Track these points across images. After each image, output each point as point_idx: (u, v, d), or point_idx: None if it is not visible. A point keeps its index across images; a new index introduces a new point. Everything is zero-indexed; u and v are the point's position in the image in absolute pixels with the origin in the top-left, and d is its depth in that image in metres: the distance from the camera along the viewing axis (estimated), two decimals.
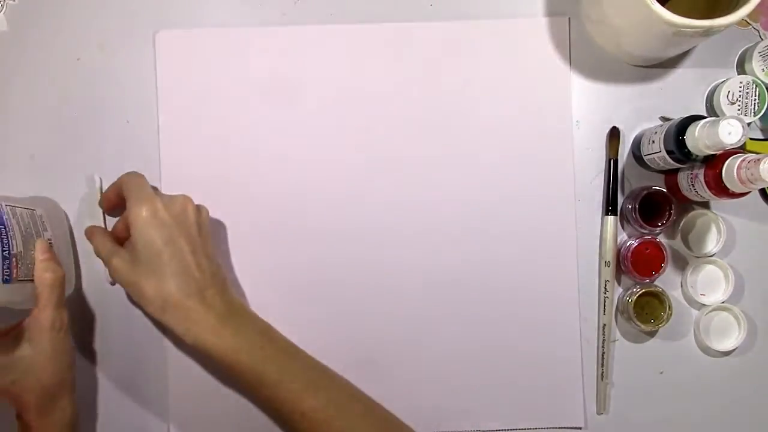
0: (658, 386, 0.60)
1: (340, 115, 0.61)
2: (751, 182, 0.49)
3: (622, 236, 0.61)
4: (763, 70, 0.59)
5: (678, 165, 0.55)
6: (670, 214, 0.58)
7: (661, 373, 0.61)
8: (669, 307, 0.58)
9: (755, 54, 0.59)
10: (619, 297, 0.61)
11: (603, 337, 0.60)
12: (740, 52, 0.61)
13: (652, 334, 0.60)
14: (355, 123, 0.61)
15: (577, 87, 0.61)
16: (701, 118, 0.52)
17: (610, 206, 0.60)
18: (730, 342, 0.60)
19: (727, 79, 0.58)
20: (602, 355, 0.60)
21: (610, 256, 0.59)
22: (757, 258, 0.61)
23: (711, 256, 0.60)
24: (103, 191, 0.59)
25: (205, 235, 0.55)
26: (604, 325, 0.60)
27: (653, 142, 0.56)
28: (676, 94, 0.61)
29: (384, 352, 0.60)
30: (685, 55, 0.61)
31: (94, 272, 0.59)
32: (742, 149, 0.53)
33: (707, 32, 0.50)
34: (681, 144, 0.53)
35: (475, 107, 0.61)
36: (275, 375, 0.52)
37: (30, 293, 0.51)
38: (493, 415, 0.60)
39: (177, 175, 0.60)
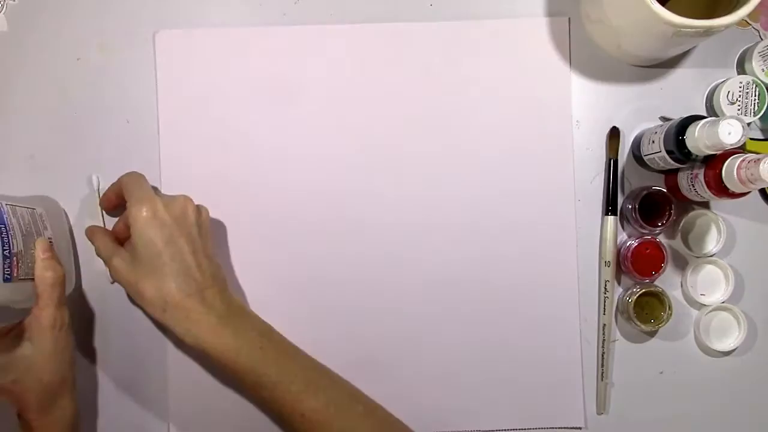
0: (658, 386, 0.60)
1: (340, 115, 0.61)
2: (751, 182, 0.49)
3: (622, 236, 0.61)
4: (763, 70, 0.59)
5: (678, 165, 0.55)
6: (670, 214, 0.58)
7: (661, 373, 0.61)
8: (669, 307, 0.58)
9: (755, 54, 0.59)
10: (619, 297, 0.61)
11: (603, 337, 0.60)
12: (740, 52, 0.61)
13: (652, 334, 0.60)
14: (355, 123, 0.61)
15: (577, 87, 0.61)
16: (701, 118, 0.52)
17: (610, 206, 0.60)
18: (730, 342, 0.60)
19: (727, 79, 0.58)
20: (602, 355, 0.60)
21: (610, 256, 0.59)
22: (757, 258, 0.61)
23: (711, 256, 0.60)
24: (103, 191, 0.59)
25: (206, 236, 0.55)
26: (604, 325, 0.60)
27: (653, 142, 0.56)
28: (676, 94, 0.61)
29: (384, 353, 0.60)
30: (685, 55, 0.61)
31: (94, 271, 0.59)
32: (742, 149, 0.53)
33: (707, 32, 0.50)
34: (681, 144, 0.53)
35: (475, 107, 0.61)
36: (275, 376, 0.52)
37: (30, 292, 0.51)
38: (493, 415, 0.60)
39: (177, 175, 0.60)
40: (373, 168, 0.60)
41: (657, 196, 0.58)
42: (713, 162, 0.53)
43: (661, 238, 0.60)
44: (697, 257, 0.60)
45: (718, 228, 0.59)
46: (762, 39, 0.60)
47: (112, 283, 0.58)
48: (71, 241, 0.59)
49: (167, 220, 0.52)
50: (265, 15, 0.61)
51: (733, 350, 0.60)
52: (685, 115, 0.54)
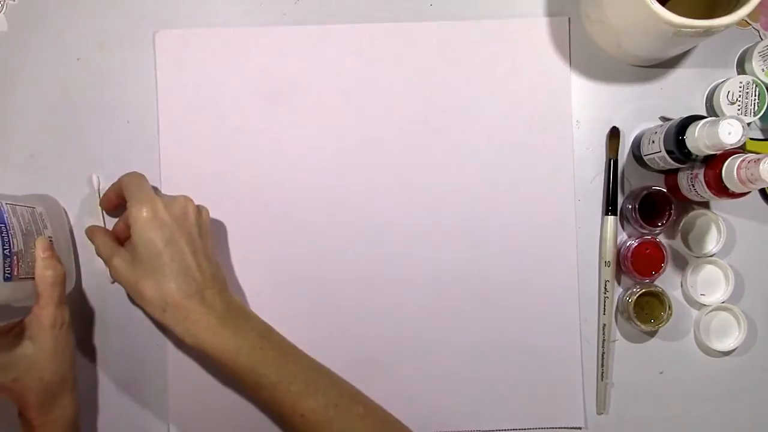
0: (658, 386, 0.60)
1: (340, 115, 0.61)
2: (751, 182, 0.49)
3: (622, 236, 0.61)
4: (763, 70, 0.59)
5: (678, 165, 0.55)
6: (670, 214, 0.58)
7: (661, 373, 0.61)
8: (669, 307, 0.58)
9: (755, 54, 0.59)
10: (619, 297, 0.61)
11: (603, 337, 0.60)
12: (740, 52, 0.61)
13: (652, 334, 0.60)
14: (354, 123, 0.61)
15: (577, 87, 0.61)
16: (701, 118, 0.52)
17: (610, 206, 0.60)
18: (730, 342, 0.60)
19: (727, 79, 0.58)
20: (602, 355, 0.60)
21: (610, 256, 0.59)
22: (757, 258, 0.61)
23: (711, 256, 0.60)
24: (104, 191, 0.59)
25: (206, 236, 0.55)
26: (604, 325, 0.60)
27: (653, 142, 0.56)
28: (676, 94, 0.61)
29: (384, 353, 0.60)
30: (685, 55, 0.61)
31: (94, 270, 0.59)
32: (742, 149, 0.53)
33: (707, 32, 0.50)
34: (681, 144, 0.53)
35: (475, 107, 0.61)
36: (274, 376, 0.52)
37: (31, 291, 0.51)
38: (493, 415, 0.60)
39: (177, 175, 0.60)
40: (373, 168, 0.60)
41: (657, 196, 0.58)
42: (713, 162, 0.53)
43: (661, 238, 0.60)
44: (697, 257, 0.60)
45: (718, 228, 0.59)
46: (762, 39, 0.60)
47: (113, 283, 0.58)
48: (71, 239, 0.59)
49: (167, 221, 0.52)
50: (265, 15, 0.61)
51: (733, 350, 0.60)
52: (685, 115, 0.54)
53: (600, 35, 0.60)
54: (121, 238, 0.57)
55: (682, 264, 0.61)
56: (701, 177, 0.54)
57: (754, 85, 0.58)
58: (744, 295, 0.61)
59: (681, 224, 0.60)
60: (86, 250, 0.59)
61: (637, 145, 0.59)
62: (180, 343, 0.59)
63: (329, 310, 0.60)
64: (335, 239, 0.60)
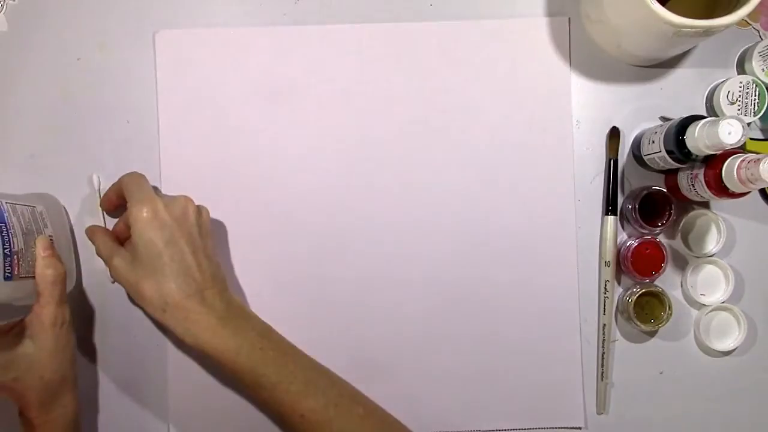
0: (658, 386, 0.60)
1: (340, 115, 0.61)
2: (751, 182, 0.49)
3: (622, 236, 0.61)
4: (763, 70, 0.59)
5: (678, 165, 0.55)
6: (670, 214, 0.58)
7: (661, 373, 0.61)
8: (669, 307, 0.58)
9: (755, 54, 0.59)
10: (619, 297, 0.61)
11: (603, 337, 0.60)
12: (740, 52, 0.61)
13: (652, 334, 0.60)
14: (354, 123, 0.61)
15: (577, 87, 0.61)
16: (701, 118, 0.52)
17: (610, 206, 0.60)
18: (730, 342, 0.60)
19: (727, 79, 0.58)
20: (602, 355, 0.60)
21: (610, 256, 0.59)
22: (757, 258, 0.61)
23: (711, 256, 0.60)
24: (104, 191, 0.59)
25: (206, 236, 0.55)
26: (604, 325, 0.60)
27: (653, 142, 0.56)
28: (676, 94, 0.61)
29: (384, 353, 0.60)
30: (685, 55, 0.61)
31: (94, 269, 0.59)
32: (742, 149, 0.53)
33: (707, 32, 0.50)
34: (681, 144, 0.53)
35: (475, 107, 0.61)
36: (274, 376, 0.52)
37: (31, 290, 0.51)
38: (493, 415, 0.60)
39: (177, 175, 0.60)
40: (373, 168, 0.60)
41: (657, 196, 0.58)
42: (713, 162, 0.53)
43: (661, 238, 0.60)
44: (697, 257, 0.60)
45: (718, 228, 0.59)
46: (762, 39, 0.60)
47: (113, 282, 0.58)
48: (72, 238, 0.59)
49: (168, 221, 0.52)
50: (265, 15, 0.61)
51: (733, 350, 0.60)
52: (685, 115, 0.54)
53: (600, 35, 0.60)
54: (122, 238, 0.57)
55: (682, 264, 0.61)
56: (701, 177, 0.54)
57: (754, 85, 0.58)
58: (744, 295, 0.61)
59: (681, 224, 0.60)
60: (86, 249, 0.59)
61: (637, 145, 0.59)
62: (180, 343, 0.59)
63: (329, 310, 0.60)
64: (335, 239, 0.60)
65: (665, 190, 0.58)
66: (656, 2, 0.49)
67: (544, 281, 0.60)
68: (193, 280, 0.52)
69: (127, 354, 0.60)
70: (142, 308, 0.54)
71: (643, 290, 0.58)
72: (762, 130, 0.61)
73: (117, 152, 0.60)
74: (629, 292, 0.59)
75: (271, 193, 0.60)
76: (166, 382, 0.60)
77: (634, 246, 0.58)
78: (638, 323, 0.58)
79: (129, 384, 0.60)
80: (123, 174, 0.56)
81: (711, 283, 0.60)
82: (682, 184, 0.57)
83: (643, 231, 0.59)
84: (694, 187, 0.55)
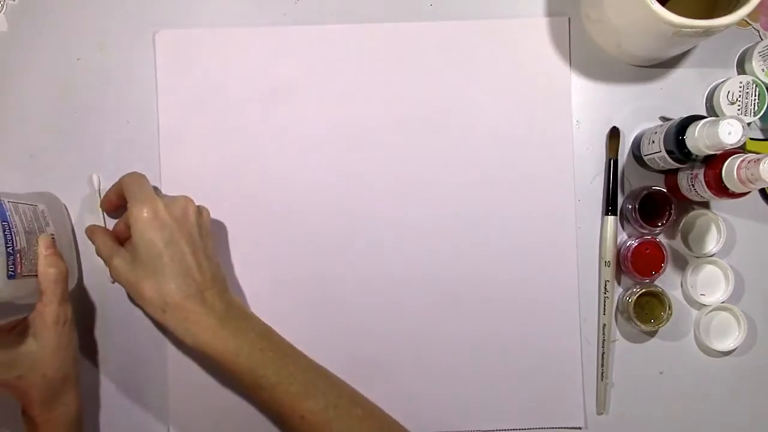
0: (658, 386, 0.60)
1: (340, 115, 0.61)
2: (751, 182, 0.49)
3: (622, 236, 0.61)
4: (763, 70, 0.59)
5: (678, 165, 0.55)
6: (670, 214, 0.58)
7: (661, 373, 0.61)
8: (669, 307, 0.58)
9: (755, 54, 0.59)
10: (619, 297, 0.61)
11: (603, 337, 0.60)
12: (740, 52, 0.61)
13: (652, 334, 0.60)
14: (354, 123, 0.61)
15: (577, 87, 0.61)
16: (701, 118, 0.52)
17: (610, 206, 0.60)
18: (730, 342, 0.60)
19: (727, 79, 0.58)
20: (602, 355, 0.60)
21: (610, 256, 0.59)
22: (757, 258, 0.61)
23: (711, 256, 0.60)
24: (104, 191, 0.59)
25: (206, 236, 0.55)
26: (604, 325, 0.60)
27: (653, 142, 0.56)
28: (676, 94, 0.61)
29: (384, 353, 0.60)
30: (685, 55, 0.61)
31: (95, 269, 0.59)
32: (742, 149, 0.53)
33: (707, 32, 0.50)
34: (681, 144, 0.53)
35: (475, 107, 0.61)
36: (274, 377, 0.52)
37: (34, 288, 0.51)
38: (493, 416, 0.60)
39: (177, 175, 0.60)
40: (372, 168, 0.60)
41: (657, 196, 0.58)
42: (713, 162, 0.53)
43: (661, 238, 0.60)
44: (697, 257, 0.60)
45: (718, 228, 0.59)
46: (762, 39, 0.60)
47: (113, 283, 0.58)
48: (73, 237, 0.59)
49: (168, 221, 0.52)
50: (265, 15, 0.61)
51: (733, 350, 0.60)
52: (685, 115, 0.54)
53: (600, 35, 0.60)
54: (122, 239, 0.57)
55: (682, 264, 0.61)
56: (701, 177, 0.54)
57: (754, 85, 0.58)
58: (744, 295, 0.61)
59: (681, 224, 0.60)
60: (87, 248, 0.59)
61: (637, 145, 0.59)
62: (180, 344, 0.59)
63: (329, 310, 0.60)
64: (335, 239, 0.60)
65: (665, 190, 0.58)
66: (656, 2, 0.49)
67: (544, 281, 0.60)
68: (193, 280, 0.52)
69: (127, 353, 0.60)
70: (142, 308, 0.54)
71: (643, 290, 0.58)
72: (762, 130, 0.61)
73: (117, 152, 0.60)
74: (629, 292, 0.59)
75: (271, 193, 0.60)
76: (166, 382, 0.60)
77: (634, 246, 0.58)
78: (638, 323, 0.58)
79: (129, 383, 0.60)
80: (123, 174, 0.56)
81: (711, 283, 0.60)
82: (682, 184, 0.57)
83: (643, 231, 0.59)
84: (694, 187, 0.55)
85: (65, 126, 0.60)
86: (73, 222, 0.60)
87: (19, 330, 0.51)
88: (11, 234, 0.49)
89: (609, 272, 0.59)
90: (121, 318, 0.59)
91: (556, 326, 0.60)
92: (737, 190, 0.52)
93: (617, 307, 0.60)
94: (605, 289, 0.59)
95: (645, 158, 0.58)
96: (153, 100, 0.60)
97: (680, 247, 0.60)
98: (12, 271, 0.48)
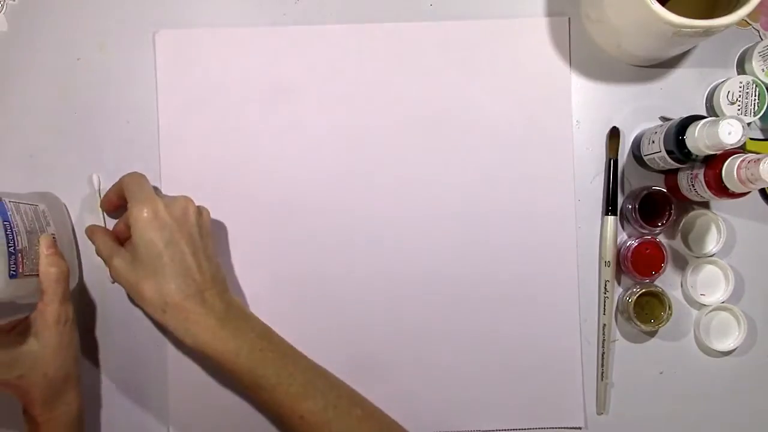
0: (658, 386, 0.60)
1: (340, 115, 0.61)
2: (751, 182, 0.49)
3: (622, 236, 0.61)
4: (763, 70, 0.59)
5: (678, 165, 0.55)
6: (670, 214, 0.58)
7: (661, 373, 0.61)
8: (669, 307, 0.58)
9: (755, 54, 0.59)
10: (619, 297, 0.61)
11: (603, 337, 0.60)
12: (740, 52, 0.61)
13: (652, 334, 0.60)
14: (355, 123, 0.61)
15: (577, 87, 0.61)
16: (701, 118, 0.52)
17: (610, 206, 0.60)
18: (730, 342, 0.60)
19: (727, 79, 0.58)
20: (602, 355, 0.60)
21: (610, 256, 0.59)
22: (757, 258, 0.61)
23: (711, 256, 0.60)
24: (104, 191, 0.59)
25: (206, 237, 0.55)
26: (604, 325, 0.60)
27: (653, 142, 0.56)
28: (676, 94, 0.61)
29: (384, 353, 0.60)
30: (685, 55, 0.61)
31: (95, 269, 0.59)
32: (742, 149, 0.53)
33: (707, 32, 0.50)
34: (681, 144, 0.53)
35: (475, 107, 0.61)
36: (274, 377, 0.52)
37: (35, 288, 0.51)
38: (493, 416, 0.60)
39: (177, 175, 0.60)
40: (372, 168, 0.60)
41: (657, 196, 0.58)
42: (713, 162, 0.53)
43: (661, 238, 0.60)
44: (697, 257, 0.60)
45: (718, 228, 0.59)
46: (762, 39, 0.60)
47: (113, 283, 0.58)
48: (74, 236, 0.59)
49: (168, 221, 0.52)
50: (265, 15, 0.61)
51: (733, 350, 0.60)
52: (685, 115, 0.54)
53: (600, 35, 0.60)
54: (122, 239, 0.57)
55: (682, 264, 0.61)
56: (701, 177, 0.54)
57: (754, 85, 0.58)
58: (744, 295, 0.61)
59: (681, 224, 0.60)
60: (87, 247, 0.59)
61: (637, 145, 0.59)
62: (180, 344, 0.59)
63: (329, 310, 0.60)
64: (335, 239, 0.60)
65: (665, 190, 0.58)
66: (656, 2, 0.49)
67: (544, 281, 0.60)
68: (193, 280, 0.52)
69: (127, 353, 0.60)
70: (142, 308, 0.54)
71: (643, 290, 0.58)
72: (762, 130, 0.61)
73: (117, 152, 0.60)
74: (629, 292, 0.59)
75: (271, 193, 0.60)
76: (166, 382, 0.60)
77: (634, 246, 0.58)
78: (638, 323, 0.58)
79: (129, 383, 0.60)
80: (123, 174, 0.56)
81: (711, 283, 0.60)
82: (682, 184, 0.57)
83: (643, 231, 0.59)
84: (694, 187, 0.55)
85: (65, 126, 0.60)
86: (73, 222, 0.60)
87: (21, 329, 0.51)
88: (13, 234, 0.49)
89: (609, 272, 0.59)
90: (122, 318, 0.60)
91: (556, 326, 0.60)
92: (737, 190, 0.52)
93: (617, 307, 0.60)
94: (605, 289, 0.60)
95: (645, 158, 0.58)
96: (153, 100, 0.60)
97: (680, 247, 0.60)
98: (14, 271, 0.49)
